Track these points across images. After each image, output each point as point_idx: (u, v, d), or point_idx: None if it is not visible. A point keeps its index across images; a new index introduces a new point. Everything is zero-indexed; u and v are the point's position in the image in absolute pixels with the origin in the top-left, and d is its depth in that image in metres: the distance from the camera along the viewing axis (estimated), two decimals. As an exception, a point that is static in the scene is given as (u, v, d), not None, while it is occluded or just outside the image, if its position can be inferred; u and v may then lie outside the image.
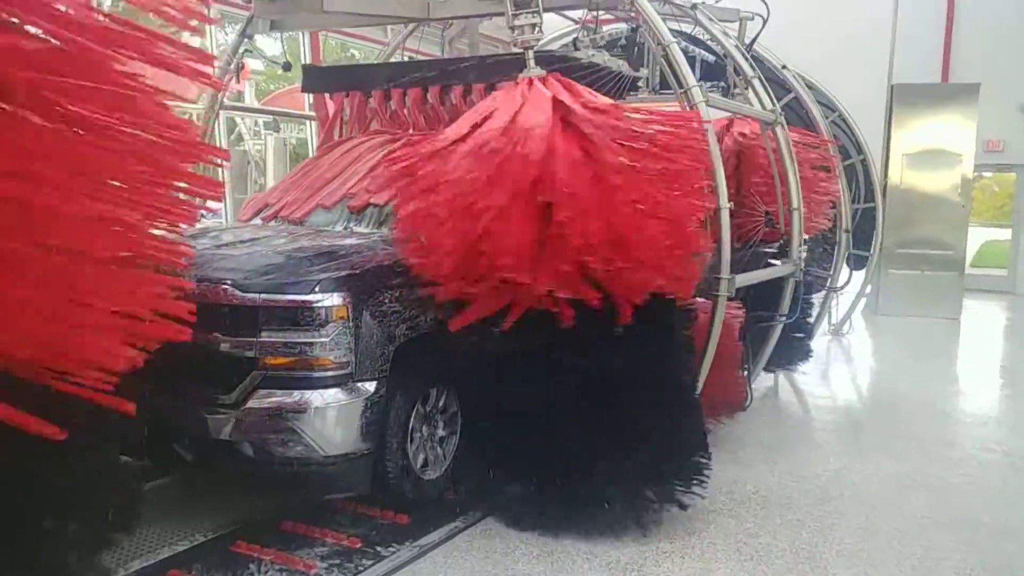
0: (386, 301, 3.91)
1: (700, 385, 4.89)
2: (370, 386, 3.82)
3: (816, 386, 7.37)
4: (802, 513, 4.43)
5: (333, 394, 3.71)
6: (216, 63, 5.78)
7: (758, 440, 5.71)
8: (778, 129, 6.19)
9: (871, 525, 4.30)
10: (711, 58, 6.78)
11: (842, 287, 9.02)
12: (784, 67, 8.07)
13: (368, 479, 3.92)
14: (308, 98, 10.42)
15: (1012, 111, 13.11)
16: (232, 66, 6.07)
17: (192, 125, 2.07)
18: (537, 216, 3.86)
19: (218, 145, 6.35)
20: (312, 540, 3.94)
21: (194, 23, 2.00)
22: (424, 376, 4.19)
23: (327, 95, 5.92)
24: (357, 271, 3.89)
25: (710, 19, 6.52)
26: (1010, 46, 13.09)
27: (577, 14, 6.66)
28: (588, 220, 3.80)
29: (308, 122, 10.96)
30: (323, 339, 3.66)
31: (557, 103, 4.07)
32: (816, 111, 8.14)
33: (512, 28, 4.51)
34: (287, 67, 6.32)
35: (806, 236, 6.41)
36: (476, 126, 4.11)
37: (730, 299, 5.03)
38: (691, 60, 6.21)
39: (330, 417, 3.71)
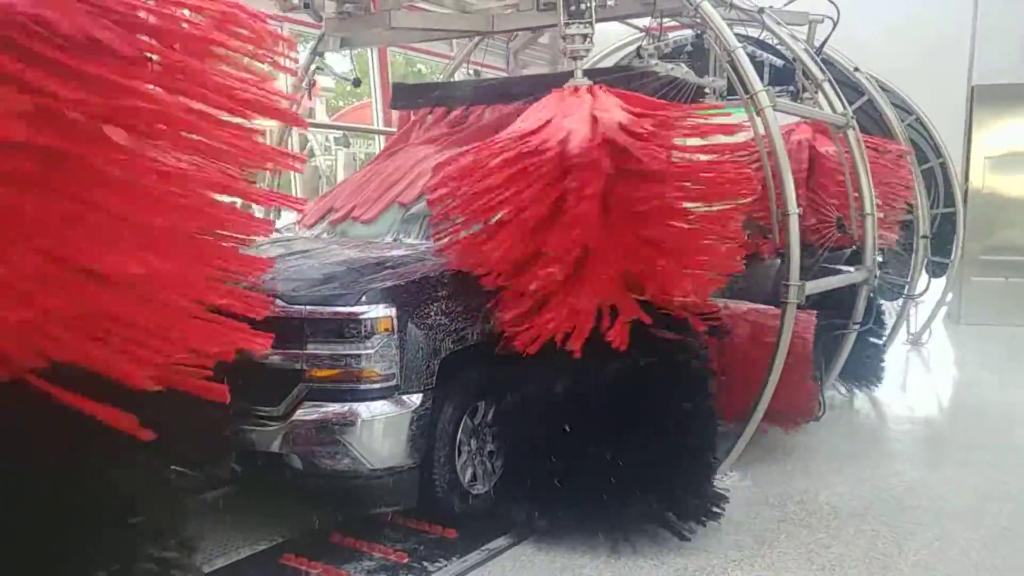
0: (432, 313, 3.90)
1: (768, 394, 4.83)
2: (416, 399, 3.82)
3: (893, 396, 7.15)
4: (876, 523, 4.31)
5: (379, 407, 3.71)
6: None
7: (831, 450, 5.58)
8: (850, 133, 6.06)
9: (948, 536, 4.17)
10: (780, 62, 6.70)
11: (920, 295, 8.74)
12: (856, 69, 7.90)
13: (415, 493, 3.89)
14: (376, 113, 10.74)
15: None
16: (304, 84, 6.26)
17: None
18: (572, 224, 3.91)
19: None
20: (360, 554, 3.93)
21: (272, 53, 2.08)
22: (471, 389, 4.16)
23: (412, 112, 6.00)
24: (403, 283, 3.89)
25: (778, 22, 6.44)
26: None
27: (642, 22, 6.68)
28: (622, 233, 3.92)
29: (376, 137, 11.24)
30: (368, 351, 3.66)
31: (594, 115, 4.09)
32: (891, 114, 7.94)
33: (563, 37, 4.55)
34: (357, 83, 6.49)
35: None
36: (518, 133, 4.17)
37: (801, 307, 4.95)
38: (759, 65, 6.16)
39: (376, 430, 3.71)
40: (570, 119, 4.00)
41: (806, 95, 6.68)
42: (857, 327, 6.01)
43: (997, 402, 6.97)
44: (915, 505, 4.60)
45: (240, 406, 3.72)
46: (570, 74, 4.58)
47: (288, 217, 6.21)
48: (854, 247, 6.18)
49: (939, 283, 9.73)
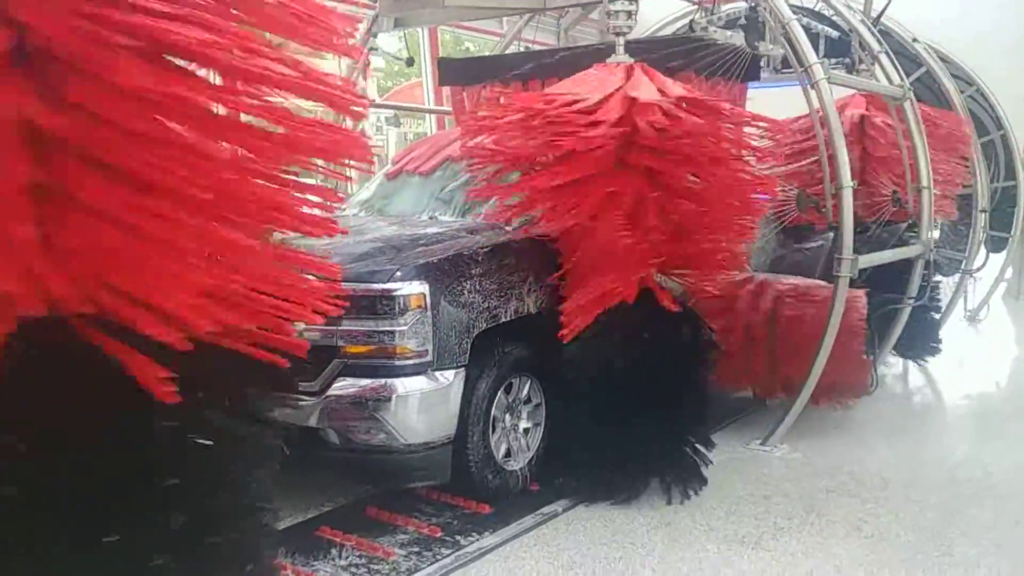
0: (465, 290, 3.93)
1: (819, 368, 4.88)
2: (450, 375, 3.85)
3: (948, 372, 7.09)
4: (926, 494, 4.34)
5: (413, 382, 3.74)
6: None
7: (884, 423, 5.61)
8: (907, 105, 6.01)
9: (1000, 508, 4.19)
10: (835, 34, 6.62)
11: (977, 270, 8.60)
12: (915, 40, 7.76)
13: (448, 468, 3.93)
14: (427, 92, 10.84)
15: None
16: (360, 64, 6.39)
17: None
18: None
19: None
20: (394, 527, 3.97)
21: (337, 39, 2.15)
22: (505, 365, 4.18)
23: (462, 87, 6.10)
24: (436, 260, 3.90)
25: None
26: None
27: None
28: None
29: (427, 116, 11.36)
30: (402, 327, 3.69)
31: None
32: (950, 85, 7.79)
33: (607, 14, 4.58)
34: (410, 62, 6.59)
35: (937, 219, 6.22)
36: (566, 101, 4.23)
37: (854, 281, 4.97)
38: (814, 37, 6.09)
39: (410, 405, 3.75)
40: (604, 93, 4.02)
41: (862, 67, 6.61)
42: (911, 302, 5.99)
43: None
44: (965, 478, 4.62)
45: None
46: (599, 48, 4.61)
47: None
48: (910, 221, 6.13)
49: (998, 258, 9.56)
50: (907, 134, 6.04)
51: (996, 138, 9.41)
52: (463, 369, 3.92)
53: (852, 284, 4.96)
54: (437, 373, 3.82)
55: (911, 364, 7.09)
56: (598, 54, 4.63)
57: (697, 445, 4.34)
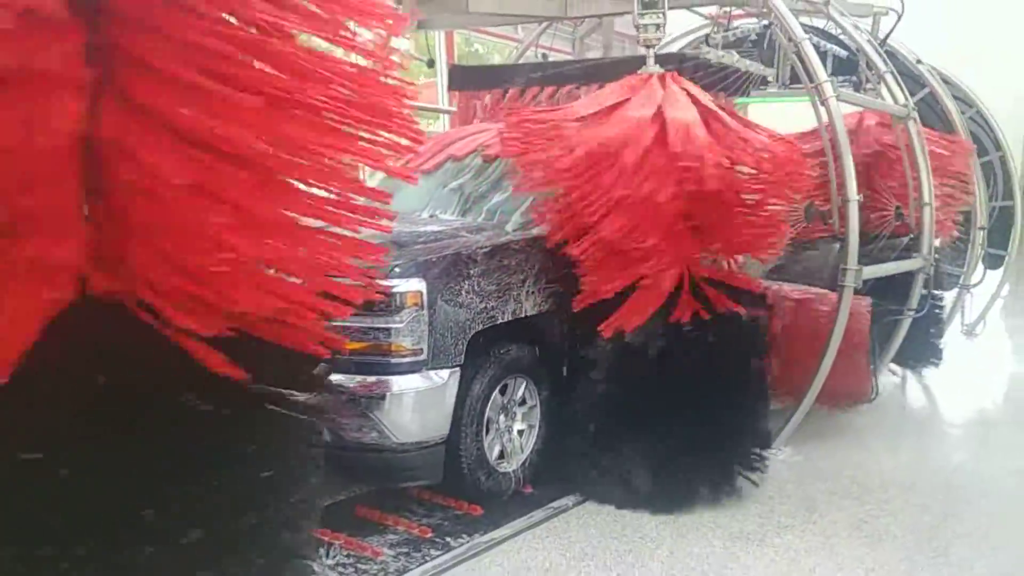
0: (463, 290, 3.91)
1: (824, 374, 5.04)
2: (444, 374, 3.83)
3: (945, 383, 7.25)
4: (924, 499, 4.50)
5: (407, 381, 3.71)
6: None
7: (883, 430, 5.76)
8: (910, 124, 6.18)
9: (996, 512, 4.34)
10: (843, 53, 6.81)
11: (975, 285, 8.78)
12: (919, 61, 7.96)
13: (441, 469, 3.91)
14: (440, 94, 11.00)
15: None
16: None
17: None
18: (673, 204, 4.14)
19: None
20: (384, 527, 3.97)
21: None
22: (501, 366, 4.18)
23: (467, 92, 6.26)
24: (434, 258, 3.86)
25: (842, 14, 6.56)
26: None
27: (709, 10, 6.85)
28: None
29: (441, 116, 11.51)
30: (397, 325, 3.65)
31: (696, 102, 4.31)
32: (952, 106, 7.99)
33: (637, 27, 4.76)
34: (431, 64, 6.75)
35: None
36: (612, 108, 4.38)
37: (857, 292, 5.13)
38: (822, 55, 6.28)
39: (404, 404, 3.72)
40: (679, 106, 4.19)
41: (868, 85, 6.80)
42: (912, 313, 6.15)
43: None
44: (962, 484, 4.77)
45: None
46: (614, 60, 4.73)
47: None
48: (911, 236, 6.29)
49: (995, 275, 9.75)
50: (910, 151, 6.21)
51: (995, 159, 9.61)
52: (458, 369, 3.91)
53: (856, 294, 5.12)
54: (432, 372, 3.80)
55: (909, 374, 7.25)
56: (615, 66, 4.80)
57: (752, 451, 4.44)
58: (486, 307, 4.04)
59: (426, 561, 3.67)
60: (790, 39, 5.26)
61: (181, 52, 1.83)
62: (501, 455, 4.27)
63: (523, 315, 4.25)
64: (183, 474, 1.94)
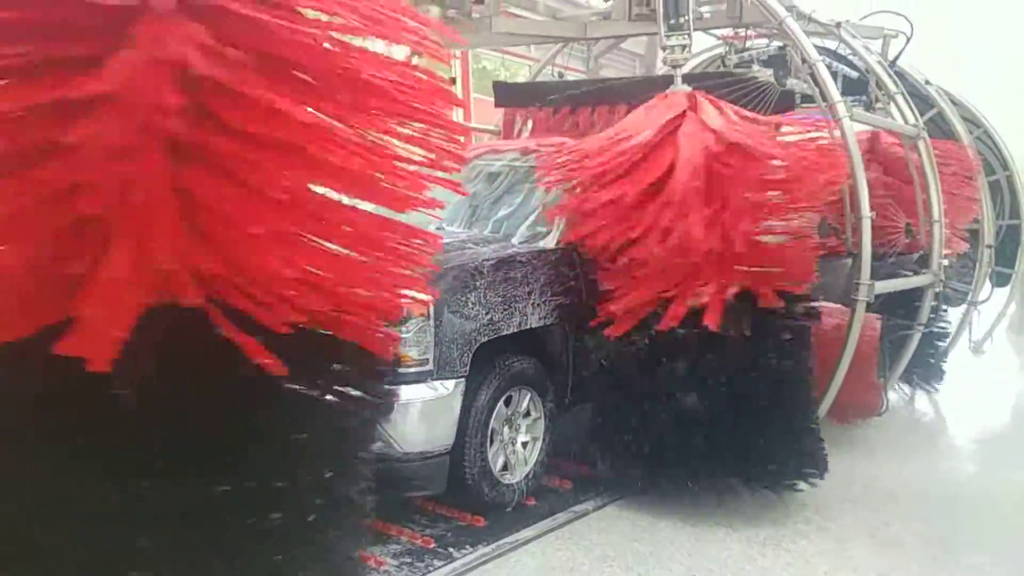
0: (469, 302, 3.95)
1: (836, 387, 5.16)
2: (450, 385, 3.86)
3: (952, 399, 7.38)
4: (934, 508, 4.63)
5: (413, 391, 3.73)
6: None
7: (893, 442, 5.89)
8: (920, 143, 6.33)
9: (1004, 521, 4.49)
10: (854, 74, 6.97)
11: (983, 302, 8.91)
12: (927, 82, 8.12)
13: (444, 479, 3.94)
14: (455, 110, 11.20)
15: None
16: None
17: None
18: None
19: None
20: (386, 537, 3.98)
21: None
22: (506, 378, 4.21)
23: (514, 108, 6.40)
24: (440, 270, 3.76)
25: (853, 36, 6.73)
26: None
27: (723, 32, 7.02)
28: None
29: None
30: (404, 335, 3.66)
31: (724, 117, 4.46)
32: (960, 126, 8.14)
33: (663, 48, 4.93)
34: (452, 81, 6.92)
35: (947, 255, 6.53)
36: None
37: (868, 308, 5.26)
38: (833, 75, 6.43)
39: (408, 414, 3.74)
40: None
41: (878, 105, 6.95)
42: (921, 329, 6.28)
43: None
44: (971, 495, 4.91)
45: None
46: (649, 79, 4.87)
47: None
48: (921, 252, 6.43)
49: (1002, 292, 9.87)
50: (920, 170, 6.36)
51: (1002, 178, 9.74)
52: (463, 380, 3.94)
53: (867, 310, 5.26)
54: (437, 383, 3.83)
55: (917, 390, 7.37)
56: (649, 85, 4.95)
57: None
58: (492, 319, 4.07)
59: (429, 571, 3.70)
60: (804, 60, 5.42)
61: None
62: (505, 467, 4.30)
63: (529, 327, 4.30)
64: (265, 463, 2.10)
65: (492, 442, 4.18)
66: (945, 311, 7.19)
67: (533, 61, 8.64)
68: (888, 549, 4.07)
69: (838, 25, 6.65)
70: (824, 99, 5.33)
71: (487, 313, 4.05)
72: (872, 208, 5.16)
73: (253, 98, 1.89)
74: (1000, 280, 9.46)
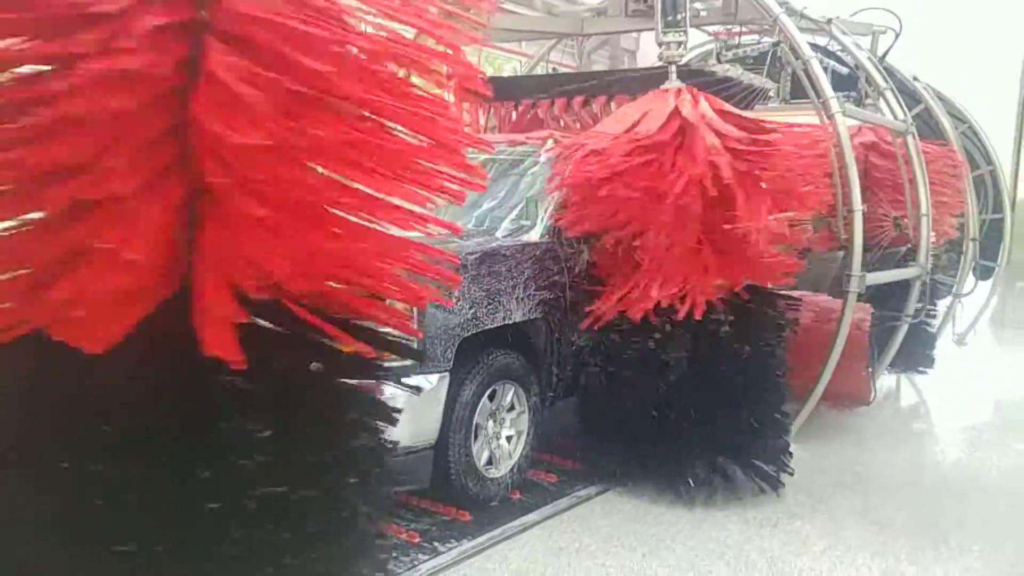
0: (452, 296, 3.90)
1: (827, 376, 5.32)
2: (434, 379, 3.83)
3: (937, 388, 7.57)
4: (924, 491, 4.81)
5: (395, 386, 3.67)
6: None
7: (882, 430, 6.06)
8: (909, 138, 6.50)
9: (991, 504, 4.65)
10: (843, 69, 7.13)
11: (967, 294, 9.12)
12: (915, 78, 8.30)
13: (428, 474, 3.93)
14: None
15: None
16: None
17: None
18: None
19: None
20: None
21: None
22: (490, 372, 4.20)
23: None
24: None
25: (843, 32, 6.88)
26: None
27: (713, 28, 7.16)
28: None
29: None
30: (385, 330, 3.77)
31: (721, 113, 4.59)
32: (946, 122, 8.33)
33: (659, 44, 5.05)
34: (449, 76, 6.98)
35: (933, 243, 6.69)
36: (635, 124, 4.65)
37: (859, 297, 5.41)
38: (823, 71, 6.58)
39: None
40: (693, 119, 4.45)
41: (868, 101, 7.12)
42: (909, 319, 6.46)
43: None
44: (957, 477, 5.09)
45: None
46: (625, 72, 4.91)
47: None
48: (908, 246, 6.60)
49: (985, 285, 10.09)
50: (908, 165, 6.53)
51: (985, 173, 9.98)
52: (447, 374, 3.92)
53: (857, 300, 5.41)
54: (421, 377, 3.77)
55: (903, 379, 7.57)
56: (643, 79, 5.08)
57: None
58: (475, 313, 4.04)
59: (414, 566, 3.69)
60: (798, 57, 5.56)
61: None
62: (490, 461, 4.30)
63: (512, 321, 4.29)
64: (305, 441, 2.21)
65: (476, 437, 4.18)
66: (934, 305, 7.37)
67: (526, 57, 8.74)
68: (881, 529, 4.22)
69: (829, 21, 6.80)
70: (817, 95, 5.47)
71: (471, 307, 4.03)
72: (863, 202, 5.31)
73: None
74: (983, 273, 9.68)
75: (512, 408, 4.44)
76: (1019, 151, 11.03)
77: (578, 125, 5.95)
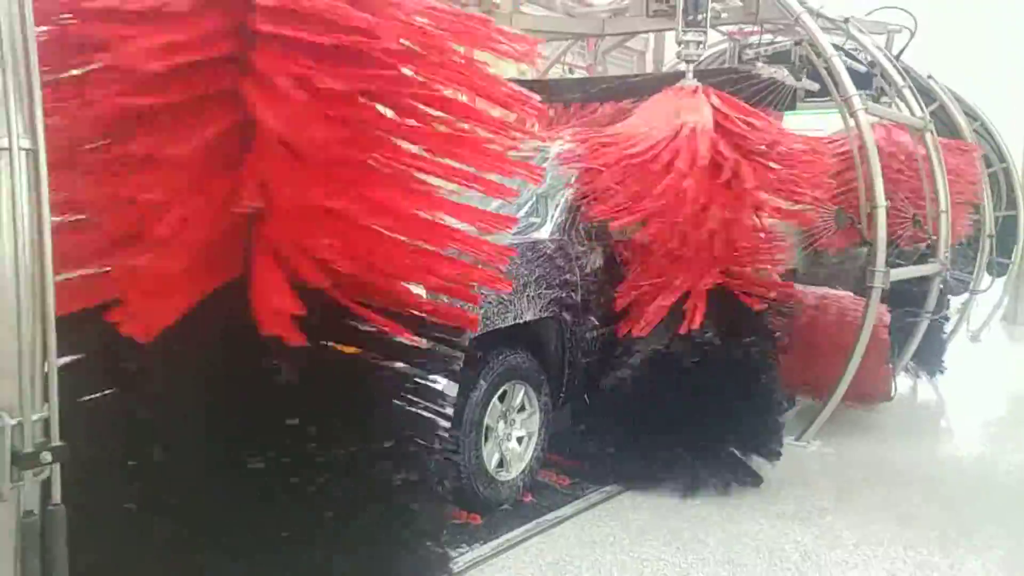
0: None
1: (851, 373, 5.36)
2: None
3: (954, 384, 7.59)
4: (948, 486, 4.85)
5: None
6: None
7: (903, 427, 6.10)
8: (927, 135, 6.52)
9: (1012, 498, 4.69)
10: (861, 68, 7.14)
11: (985, 290, 9.15)
12: (930, 77, 8.33)
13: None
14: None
15: None
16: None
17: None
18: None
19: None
20: None
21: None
22: (500, 373, 4.12)
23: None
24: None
25: (860, 31, 6.91)
26: None
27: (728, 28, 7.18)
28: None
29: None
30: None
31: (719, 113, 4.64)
32: (961, 120, 8.35)
33: (679, 43, 5.09)
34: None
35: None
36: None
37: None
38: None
39: None
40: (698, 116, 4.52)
41: (884, 99, 7.14)
42: (929, 316, 6.48)
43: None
44: (980, 473, 5.13)
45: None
46: (652, 75, 4.99)
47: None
48: (928, 243, 6.63)
49: (1000, 282, 10.12)
50: (927, 162, 6.56)
51: (999, 170, 9.99)
52: (456, 375, 3.71)
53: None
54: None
55: (921, 376, 7.60)
56: (661, 80, 5.12)
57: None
58: (485, 312, 3.92)
59: None
60: (819, 55, 5.59)
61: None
62: (501, 463, 4.22)
63: (523, 321, 4.20)
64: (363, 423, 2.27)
65: (487, 438, 4.10)
66: (948, 301, 7.40)
67: (542, 58, 8.76)
68: (909, 522, 4.25)
69: (846, 20, 6.84)
70: (840, 94, 5.51)
71: (481, 307, 3.88)
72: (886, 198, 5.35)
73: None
74: (999, 270, 9.70)
75: (523, 409, 4.36)
76: (1031, 148, 11.06)
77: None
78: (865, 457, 5.29)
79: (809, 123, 7.25)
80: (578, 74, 8.17)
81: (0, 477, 1.46)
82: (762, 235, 4.88)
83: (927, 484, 4.87)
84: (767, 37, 7.39)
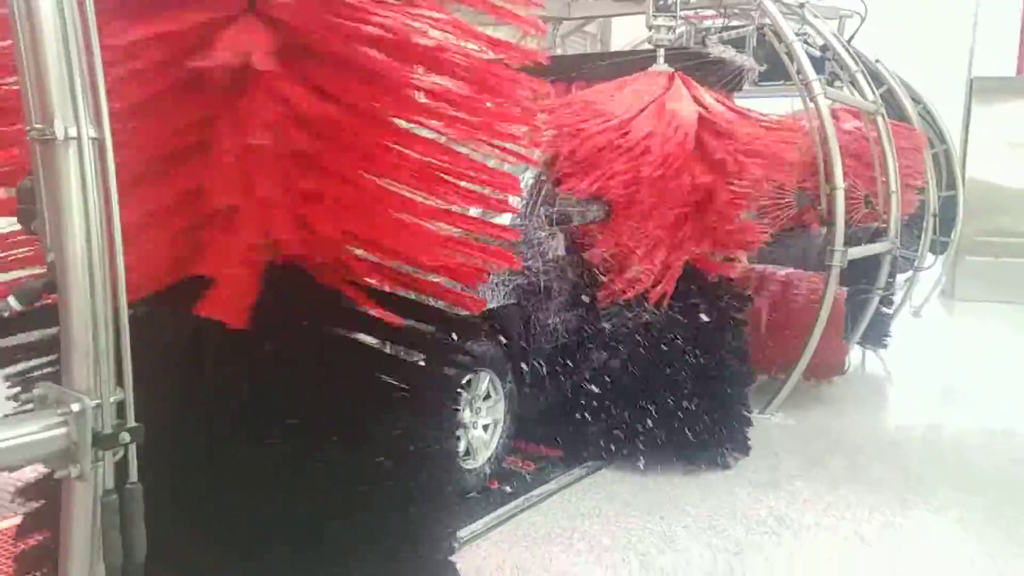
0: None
1: (812, 348, 5.59)
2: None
3: (900, 357, 7.93)
4: (907, 452, 5.14)
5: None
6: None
7: (856, 398, 6.38)
8: (879, 119, 6.79)
9: (969, 461, 4.99)
10: (816, 53, 7.37)
11: (929, 267, 9.55)
12: (878, 61, 8.62)
13: None
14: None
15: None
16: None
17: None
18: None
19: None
20: None
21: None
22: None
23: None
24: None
25: (815, 16, 7.12)
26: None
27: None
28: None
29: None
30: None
31: (695, 98, 4.79)
32: (908, 103, 8.68)
33: (649, 28, 5.20)
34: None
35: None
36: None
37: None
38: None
39: None
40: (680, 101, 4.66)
41: (837, 83, 7.39)
42: (880, 292, 6.78)
43: (990, 363, 7.81)
44: (935, 439, 5.44)
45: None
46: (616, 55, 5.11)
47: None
48: (879, 223, 6.90)
49: (941, 259, 10.56)
50: (878, 144, 6.83)
51: (940, 151, 10.40)
52: None
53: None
54: None
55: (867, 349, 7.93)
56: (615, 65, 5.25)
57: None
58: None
59: None
60: (780, 40, 5.78)
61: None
62: (467, 452, 4.20)
63: (486, 308, 4.01)
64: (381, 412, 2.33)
65: None
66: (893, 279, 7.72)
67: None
68: (874, 487, 4.50)
69: (801, 5, 7.03)
70: (801, 78, 5.70)
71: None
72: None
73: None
74: (940, 248, 10.12)
75: (488, 396, 4.33)
76: (967, 131, 11.53)
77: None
78: (825, 427, 5.55)
79: (755, 106, 7.52)
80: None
81: (83, 457, 1.51)
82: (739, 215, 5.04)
83: (885, 451, 5.15)
84: (720, 22, 7.62)
